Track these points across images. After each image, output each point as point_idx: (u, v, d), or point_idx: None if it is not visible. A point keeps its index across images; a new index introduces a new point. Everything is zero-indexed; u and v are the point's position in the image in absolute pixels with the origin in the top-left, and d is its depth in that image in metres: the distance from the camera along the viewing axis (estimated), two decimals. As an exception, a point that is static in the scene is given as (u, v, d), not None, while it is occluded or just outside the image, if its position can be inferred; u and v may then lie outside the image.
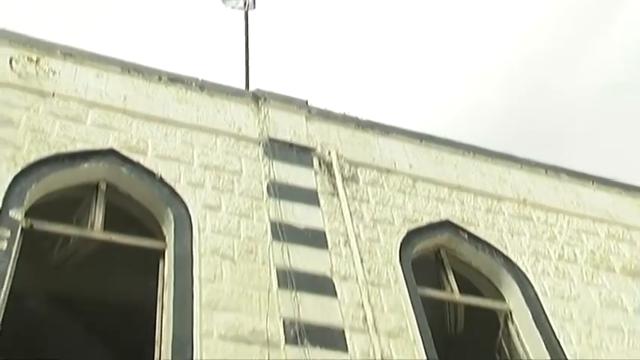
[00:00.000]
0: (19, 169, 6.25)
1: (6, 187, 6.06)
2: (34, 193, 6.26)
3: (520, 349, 7.30)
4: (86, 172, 6.71)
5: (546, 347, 7.07)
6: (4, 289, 5.50)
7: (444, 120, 25.29)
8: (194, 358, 5.62)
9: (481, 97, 27.22)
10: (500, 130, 25.38)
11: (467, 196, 8.43)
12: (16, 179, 6.17)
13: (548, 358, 6.99)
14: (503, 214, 8.43)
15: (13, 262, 5.75)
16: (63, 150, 6.64)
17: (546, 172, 9.41)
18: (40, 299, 7.78)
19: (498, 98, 28.13)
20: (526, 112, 26.49)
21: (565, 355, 7.01)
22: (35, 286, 7.43)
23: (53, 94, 7.06)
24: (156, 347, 5.88)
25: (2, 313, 5.42)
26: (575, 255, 8.29)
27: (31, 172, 6.32)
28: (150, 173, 6.88)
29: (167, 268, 6.36)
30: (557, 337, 7.17)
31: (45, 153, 6.51)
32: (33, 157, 6.41)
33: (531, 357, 7.17)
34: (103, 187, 6.75)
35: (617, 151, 23.64)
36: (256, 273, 6.44)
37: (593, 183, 9.53)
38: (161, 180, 6.86)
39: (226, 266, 6.39)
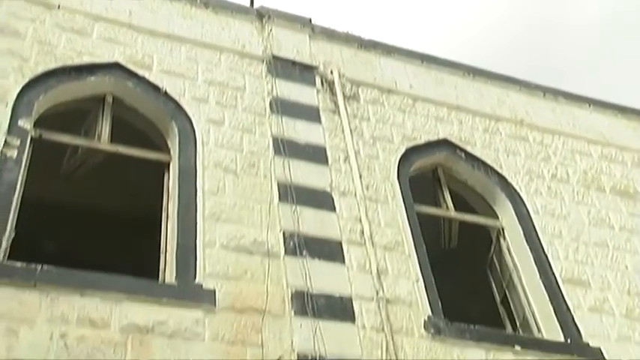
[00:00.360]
0: (26, 80, 6.22)
1: (14, 96, 6.05)
2: (42, 104, 6.26)
3: (510, 264, 7.44)
4: (93, 85, 6.68)
5: (535, 262, 7.20)
6: (16, 196, 5.57)
7: (447, 44, 24.95)
8: (197, 266, 5.73)
9: (486, 24, 26.77)
10: (503, 57, 25.07)
11: (465, 116, 8.42)
12: (24, 90, 6.15)
13: (537, 272, 7.13)
14: (500, 134, 8.44)
15: (24, 171, 5.80)
16: (69, 62, 6.60)
17: (544, 94, 9.36)
18: (50, 208, 7.89)
19: (503, 26, 27.66)
20: (529, 42, 26.10)
21: (552, 270, 7.16)
22: (45, 195, 7.51)
23: (58, 7, 6.96)
24: (161, 256, 5.98)
25: (15, 221, 5.52)
26: (567, 175, 8.34)
27: (39, 83, 6.29)
28: (155, 88, 6.85)
29: (172, 181, 6.43)
30: (546, 252, 7.30)
31: (52, 65, 6.47)
32: (40, 69, 6.37)
33: (520, 272, 7.30)
34: (109, 100, 6.74)
35: (616, 76, 23.43)
36: (258, 186, 6.49)
37: (589, 105, 9.49)
38: (166, 94, 6.84)
39: (229, 179, 6.44)
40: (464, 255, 8.00)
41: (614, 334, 6.79)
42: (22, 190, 5.68)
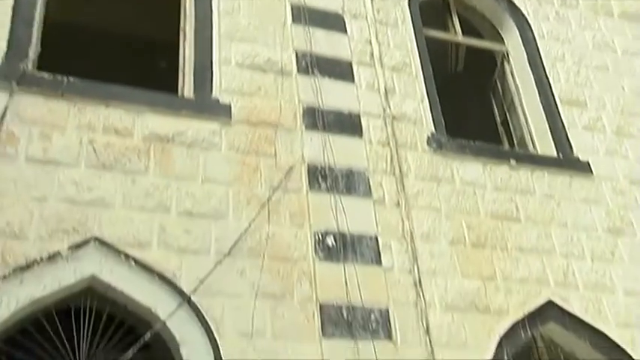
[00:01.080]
0: None
1: None
2: None
3: (512, 88, 7.45)
4: None
5: (536, 84, 7.19)
6: (38, 10, 5.59)
7: None
8: (214, 82, 5.83)
9: None
10: None
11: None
12: None
13: (537, 94, 7.15)
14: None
15: (44, -12, 5.77)
16: None
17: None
18: (74, 30, 7.91)
19: None
20: None
21: (552, 91, 7.17)
22: (69, 18, 7.52)
23: None
24: (179, 73, 6.06)
25: (40, 37, 5.58)
26: (577, 1, 8.09)
27: None
28: None
29: (188, 1, 6.37)
30: (548, 75, 7.26)
31: None
32: None
33: (522, 94, 7.32)
34: None
35: None
36: (272, 8, 6.43)
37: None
38: None
39: (243, 0, 6.39)
40: (469, 78, 8.03)
41: (603, 149, 6.91)
42: (43, 6, 5.69)
